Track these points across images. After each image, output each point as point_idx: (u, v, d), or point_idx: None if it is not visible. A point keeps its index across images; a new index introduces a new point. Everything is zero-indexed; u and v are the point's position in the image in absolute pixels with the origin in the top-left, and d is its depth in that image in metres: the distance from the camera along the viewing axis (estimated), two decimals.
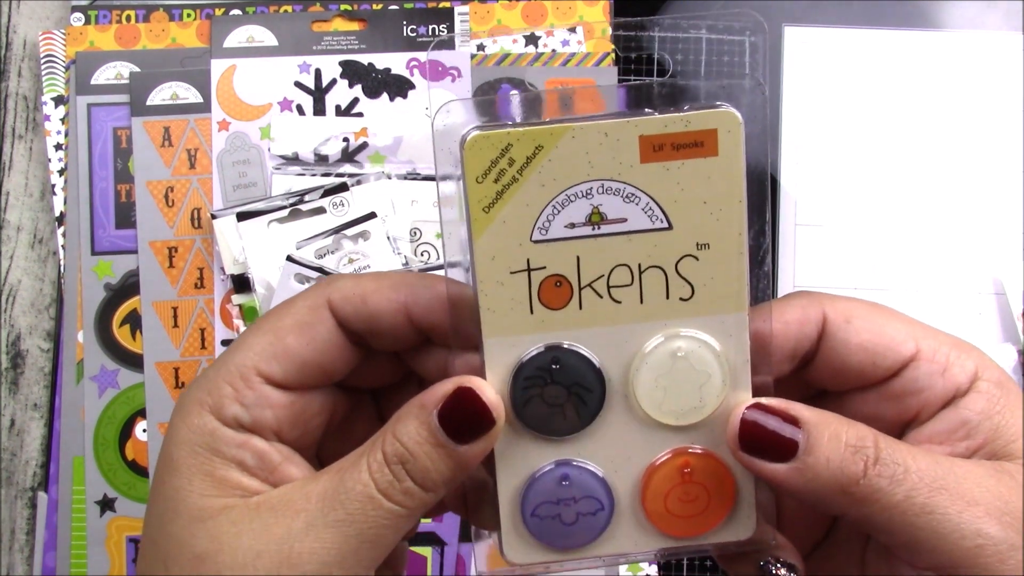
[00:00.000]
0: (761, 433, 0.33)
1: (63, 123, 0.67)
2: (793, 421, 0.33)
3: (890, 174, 0.68)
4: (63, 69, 0.67)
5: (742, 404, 0.34)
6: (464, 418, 0.33)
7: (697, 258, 0.33)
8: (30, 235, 0.68)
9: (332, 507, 0.33)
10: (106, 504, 0.65)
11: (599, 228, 0.33)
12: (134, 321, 0.66)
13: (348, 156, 0.67)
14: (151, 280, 0.66)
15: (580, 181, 0.33)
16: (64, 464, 0.65)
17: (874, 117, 0.68)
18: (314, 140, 0.67)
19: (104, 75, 0.67)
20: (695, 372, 0.34)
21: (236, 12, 0.67)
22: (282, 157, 0.67)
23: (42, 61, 0.67)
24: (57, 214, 0.67)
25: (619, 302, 0.34)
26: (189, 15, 0.68)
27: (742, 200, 0.33)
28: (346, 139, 0.67)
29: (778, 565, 0.36)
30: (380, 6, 0.68)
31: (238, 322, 0.66)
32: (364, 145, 0.67)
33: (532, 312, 0.33)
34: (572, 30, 0.67)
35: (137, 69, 0.67)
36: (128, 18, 0.67)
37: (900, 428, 0.36)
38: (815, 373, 0.37)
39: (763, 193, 0.34)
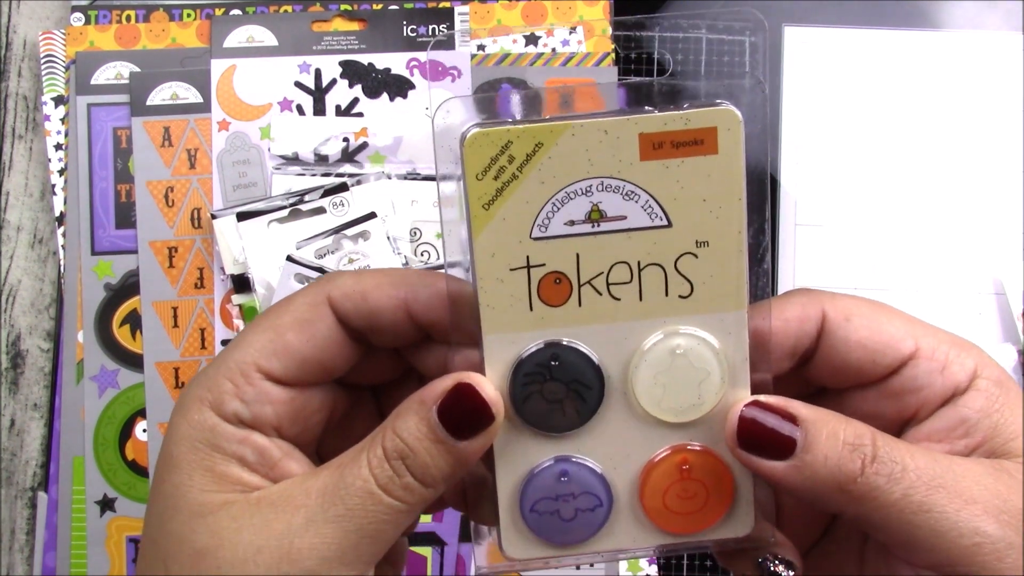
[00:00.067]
0: (759, 430, 0.33)
1: (63, 123, 0.67)
2: (791, 418, 0.33)
3: (890, 174, 0.68)
4: (63, 69, 0.67)
5: (741, 401, 0.34)
6: (463, 414, 0.33)
7: (696, 256, 0.33)
8: (30, 235, 0.68)
9: (332, 502, 0.33)
10: (106, 504, 0.65)
11: (599, 225, 0.33)
12: (134, 321, 0.66)
13: (348, 156, 0.67)
14: (151, 280, 0.66)
15: (580, 178, 0.33)
16: (64, 464, 0.65)
17: (874, 117, 0.68)
18: (314, 140, 0.67)
19: (104, 75, 0.67)
20: (694, 370, 0.34)
21: (236, 12, 0.68)
22: (282, 157, 0.67)
23: (42, 61, 0.67)
24: (57, 214, 0.67)
25: (618, 299, 0.34)
26: (189, 15, 0.68)
27: (741, 198, 0.33)
28: (346, 139, 0.67)
29: (776, 562, 0.36)
30: (380, 6, 0.68)
31: (238, 322, 0.66)
32: (364, 145, 0.67)
33: (531, 309, 0.34)
34: (572, 30, 0.67)
35: (137, 69, 0.67)
36: (128, 18, 0.67)
37: (899, 426, 0.36)
38: (814, 371, 0.37)
39: (763, 191, 0.34)
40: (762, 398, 0.34)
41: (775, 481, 0.33)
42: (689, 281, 0.34)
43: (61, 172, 0.67)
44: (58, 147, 0.67)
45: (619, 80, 0.67)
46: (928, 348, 0.35)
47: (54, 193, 0.67)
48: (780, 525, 0.38)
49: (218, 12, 0.67)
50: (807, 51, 0.68)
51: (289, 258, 0.64)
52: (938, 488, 0.32)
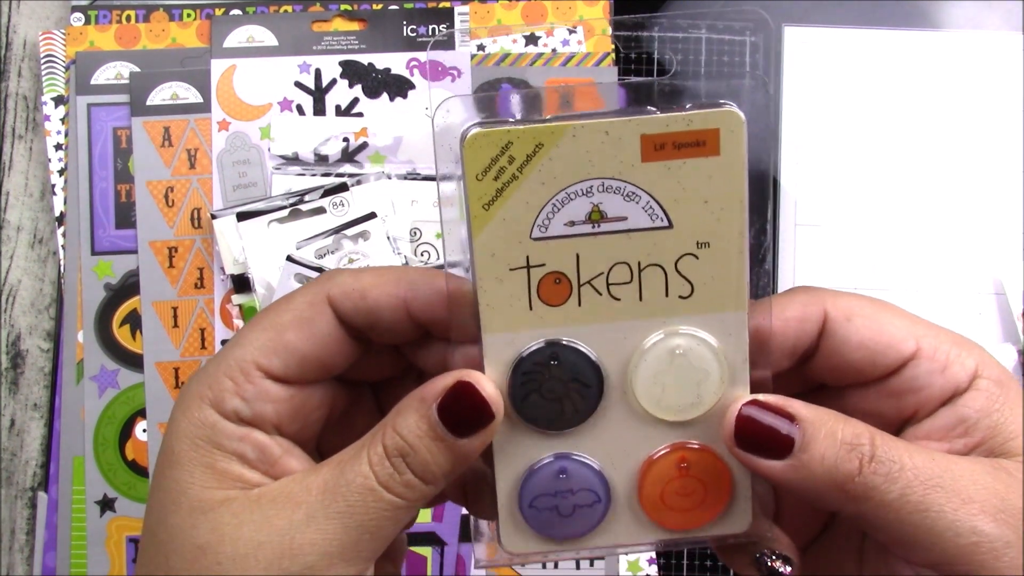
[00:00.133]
0: (757, 429, 0.33)
1: (63, 123, 0.67)
2: (789, 417, 0.33)
3: (890, 174, 0.68)
4: (63, 69, 0.67)
5: (739, 400, 0.34)
6: (463, 412, 0.33)
7: (697, 257, 0.33)
8: (30, 235, 0.68)
9: (333, 499, 0.33)
10: (106, 504, 0.65)
11: (599, 226, 0.33)
12: (134, 321, 0.66)
13: (348, 156, 0.67)
14: (151, 280, 0.66)
15: (580, 179, 0.33)
16: (64, 464, 0.65)
17: (874, 117, 0.68)
18: (314, 140, 0.67)
19: (104, 75, 0.67)
20: (693, 369, 0.34)
21: (236, 12, 0.68)
22: (282, 157, 0.67)
23: (42, 61, 0.67)
24: (57, 214, 0.67)
25: (618, 299, 0.34)
26: (189, 15, 0.68)
27: (743, 200, 0.33)
28: (346, 139, 0.67)
29: (773, 557, 0.36)
30: (380, 6, 0.68)
31: (238, 322, 0.66)
32: (364, 145, 0.67)
33: (531, 308, 0.34)
34: (572, 30, 0.67)
35: (137, 69, 0.67)
36: (128, 18, 0.67)
37: (899, 424, 0.36)
38: (815, 369, 0.37)
39: (764, 192, 0.34)
40: (761, 397, 0.34)
41: (773, 480, 0.33)
42: (689, 282, 0.34)
43: (61, 172, 0.67)
44: (58, 147, 0.67)
45: (619, 80, 0.67)
46: (929, 348, 0.35)
47: (54, 193, 0.67)
48: (779, 520, 0.38)
49: (218, 12, 0.68)
50: (807, 51, 0.68)
51: (289, 258, 0.64)
52: (936, 488, 0.32)
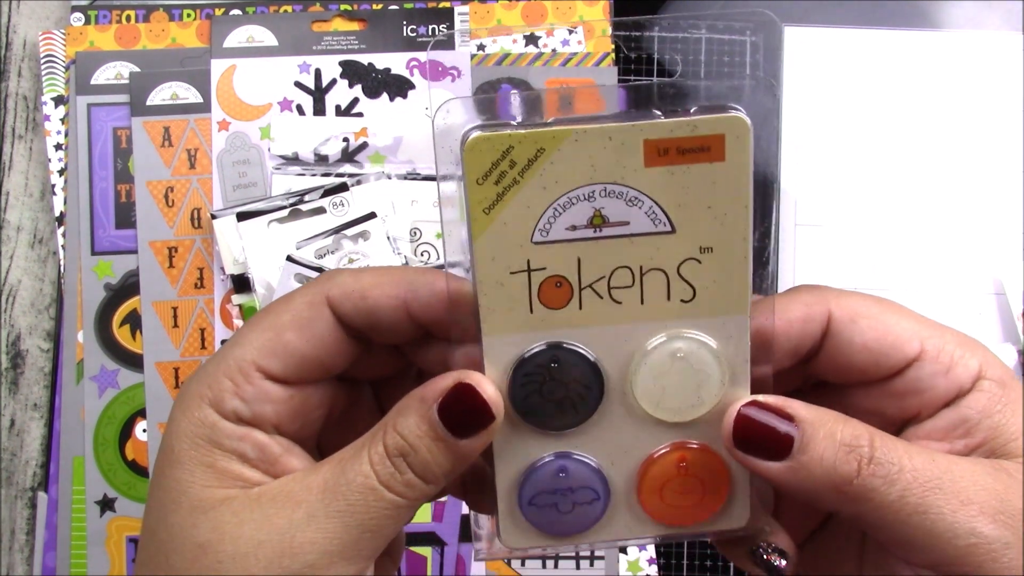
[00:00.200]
0: (756, 430, 0.33)
1: (63, 123, 0.67)
2: (788, 418, 0.33)
3: (890, 174, 0.68)
4: (63, 69, 0.67)
5: (739, 401, 0.34)
6: (464, 413, 0.33)
7: (700, 261, 0.33)
8: (30, 235, 0.68)
9: (334, 498, 0.33)
10: (106, 504, 0.65)
11: (601, 231, 0.33)
12: (134, 321, 0.66)
13: (348, 156, 0.67)
14: (151, 280, 0.66)
15: (582, 184, 0.32)
16: (64, 464, 0.65)
17: (874, 117, 0.68)
18: (314, 140, 0.67)
19: (104, 75, 0.67)
20: (694, 372, 0.34)
21: (236, 12, 0.68)
22: (282, 157, 0.67)
23: (42, 61, 0.67)
24: (57, 214, 0.67)
25: (619, 303, 0.34)
26: (189, 15, 0.68)
27: (748, 205, 0.33)
28: (346, 139, 0.67)
29: (769, 550, 0.36)
30: (380, 6, 0.68)
31: (238, 322, 0.66)
32: (364, 145, 0.67)
33: (532, 311, 0.34)
34: (572, 30, 0.67)
35: (137, 69, 0.67)
36: (128, 18, 0.67)
37: (900, 424, 0.36)
38: (817, 368, 0.37)
39: (769, 196, 0.34)
40: (760, 398, 0.34)
41: (772, 481, 0.33)
42: (692, 286, 0.33)
43: (61, 172, 0.67)
44: (58, 147, 0.67)
45: (619, 81, 0.67)
46: (933, 350, 0.35)
47: (54, 193, 0.67)
48: (778, 513, 0.39)
49: (218, 12, 0.67)
50: (807, 51, 0.68)
51: (289, 258, 0.64)
52: (935, 489, 0.32)
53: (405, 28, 0.67)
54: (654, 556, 0.65)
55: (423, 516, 0.65)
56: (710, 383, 0.34)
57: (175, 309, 0.66)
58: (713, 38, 0.67)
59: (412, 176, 0.66)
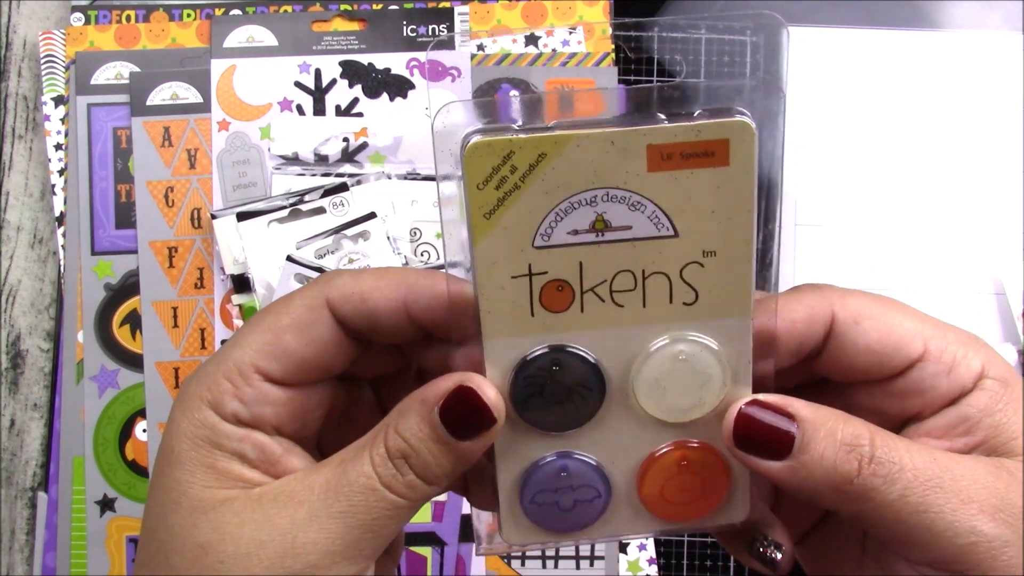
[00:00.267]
0: (757, 431, 0.33)
1: (63, 123, 0.67)
2: (789, 417, 0.33)
3: (890, 174, 0.68)
4: (63, 69, 0.67)
5: (740, 401, 0.34)
6: (465, 415, 0.33)
7: (703, 265, 0.33)
8: (30, 235, 0.68)
9: (335, 498, 0.33)
10: (106, 504, 0.65)
11: (603, 235, 0.33)
12: (134, 321, 0.66)
13: (348, 156, 0.67)
14: (151, 280, 0.66)
15: (584, 189, 0.32)
16: (64, 464, 0.65)
17: (874, 117, 0.68)
18: (314, 140, 0.67)
19: (104, 75, 0.67)
20: (696, 373, 0.34)
21: (236, 12, 0.67)
22: (282, 157, 0.67)
23: (42, 61, 0.67)
24: (57, 214, 0.67)
25: (621, 306, 0.33)
26: (189, 15, 0.68)
27: (751, 210, 0.32)
28: (346, 139, 0.67)
29: (766, 543, 0.36)
30: (380, 6, 0.68)
31: (238, 322, 0.66)
32: (364, 145, 0.67)
33: (533, 315, 0.33)
34: (572, 30, 0.67)
35: (137, 69, 0.67)
36: (128, 18, 0.67)
37: (902, 422, 0.36)
38: (820, 366, 0.37)
39: (773, 199, 0.34)
40: (761, 397, 0.34)
41: (773, 481, 0.34)
42: (694, 289, 0.33)
43: (61, 172, 0.67)
44: (58, 147, 0.67)
45: (619, 81, 0.67)
46: (936, 350, 0.35)
47: (54, 193, 0.67)
48: (778, 507, 0.39)
49: (218, 12, 0.67)
50: (807, 51, 0.68)
51: (289, 258, 0.64)
52: (935, 488, 0.32)
53: (405, 28, 0.67)
54: (654, 556, 0.65)
55: (423, 516, 0.65)
56: (712, 384, 0.34)
57: (175, 309, 0.66)
58: (714, 39, 0.67)
59: (412, 176, 0.66)
